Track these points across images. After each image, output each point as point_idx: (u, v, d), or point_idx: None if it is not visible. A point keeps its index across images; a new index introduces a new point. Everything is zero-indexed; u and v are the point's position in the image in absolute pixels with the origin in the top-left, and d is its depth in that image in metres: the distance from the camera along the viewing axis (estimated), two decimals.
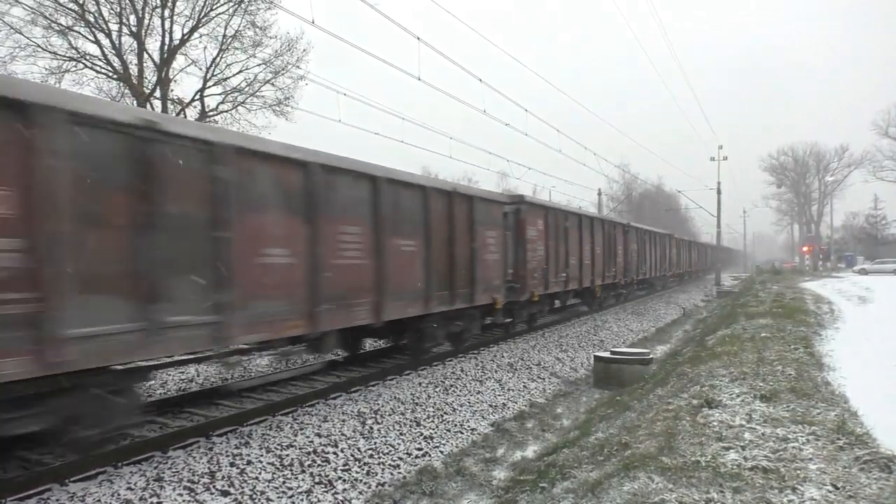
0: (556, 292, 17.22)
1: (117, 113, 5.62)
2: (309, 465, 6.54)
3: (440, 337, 11.63)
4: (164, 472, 5.82)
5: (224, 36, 22.74)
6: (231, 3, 22.42)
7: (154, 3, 21.72)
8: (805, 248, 64.79)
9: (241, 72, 23.49)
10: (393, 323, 9.65)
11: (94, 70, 21.45)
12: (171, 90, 22.49)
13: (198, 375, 10.48)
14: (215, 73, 23.23)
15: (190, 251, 6.17)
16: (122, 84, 21.73)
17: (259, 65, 23.42)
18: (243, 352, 7.96)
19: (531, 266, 14.76)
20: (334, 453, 6.94)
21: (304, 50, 23.61)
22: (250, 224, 6.85)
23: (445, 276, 10.95)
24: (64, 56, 20.78)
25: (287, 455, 6.62)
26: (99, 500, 5.24)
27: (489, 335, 14.88)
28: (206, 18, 22.36)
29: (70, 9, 20.07)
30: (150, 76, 22.30)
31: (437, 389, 9.91)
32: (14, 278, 4.70)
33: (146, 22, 21.69)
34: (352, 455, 7.01)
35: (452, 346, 12.67)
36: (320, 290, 7.81)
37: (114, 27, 21.35)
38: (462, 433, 8.55)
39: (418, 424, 8.36)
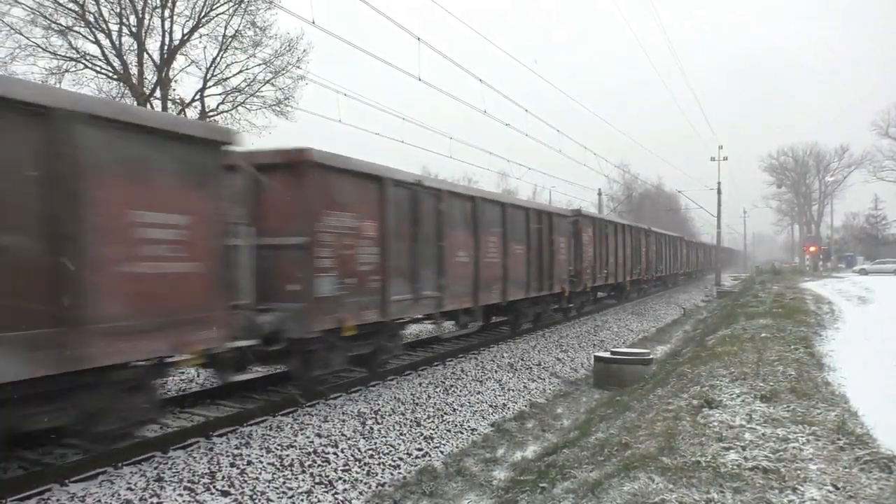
0: (600, 285, 21.46)
1: (407, 177, 9.84)
2: (309, 466, 6.54)
3: (530, 315, 16.05)
4: (164, 473, 5.82)
5: (224, 36, 22.73)
6: (231, 3, 22.41)
7: (154, 4, 21.70)
8: (812, 248, 64.30)
9: (241, 72, 23.48)
10: (508, 302, 13.91)
11: (94, 70, 21.44)
12: (174, 89, 22.49)
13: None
14: (215, 74, 23.21)
15: (429, 254, 10.35)
16: (122, 84, 21.72)
17: (259, 65, 23.42)
18: (444, 316, 11.83)
19: (585, 265, 18.92)
20: (334, 454, 6.93)
21: (304, 50, 23.60)
22: (451, 237, 11.09)
23: (537, 271, 15.34)
24: (64, 56, 20.77)
25: (287, 455, 6.62)
26: (99, 501, 5.23)
27: (551, 318, 18.04)
28: (206, 18, 22.34)
29: (70, 9, 20.06)
30: (151, 76, 22.29)
31: (438, 390, 9.92)
32: (376, 269, 8.82)
33: (146, 22, 21.68)
34: (352, 455, 7.01)
35: (533, 324, 16.56)
36: (478, 279, 12.19)
37: (114, 27, 21.33)
38: (462, 433, 8.55)
39: (418, 425, 8.36)
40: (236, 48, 23.08)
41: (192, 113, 22.85)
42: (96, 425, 5.53)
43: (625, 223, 25.77)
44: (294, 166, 7.75)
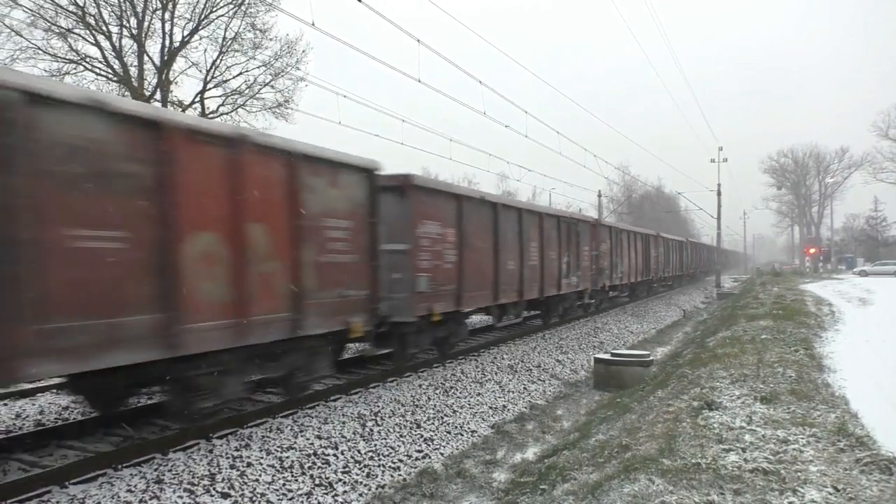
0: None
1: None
2: (309, 468, 6.54)
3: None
4: (164, 475, 5.82)
5: (224, 38, 22.77)
6: (231, 6, 22.45)
7: (154, 6, 21.74)
8: (812, 250, 64.35)
9: (240, 74, 23.52)
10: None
11: (95, 72, 21.48)
12: (173, 90, 22.53)
13: None
14: (215, 76, 23.26)
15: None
16: (122, 86, 21.75)
17: (259, 67, 23.45)
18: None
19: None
20: (334, 455, 6.93)
21: (303, 51, 23.65)
22: None
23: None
24: (64, 58, 20.82)
25: (287, 457, 6.61)
26: (99, 502, 5.23)
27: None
28: (206, 21, 22.40)
29: (70, 11, 20.10)
30: (151, 78, 22.32)
31: (438, 391, 9.91)
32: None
33: (146, 24, 21.72)
34: (352, 457, 7.00)
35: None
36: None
37: (114, 29, 21.38)
38: (462, 435, 8.54)
39: (418, 426, 8.35)
40: (236, 50, 23.14)
41: (192, 115, 22.88)
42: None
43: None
44: None
